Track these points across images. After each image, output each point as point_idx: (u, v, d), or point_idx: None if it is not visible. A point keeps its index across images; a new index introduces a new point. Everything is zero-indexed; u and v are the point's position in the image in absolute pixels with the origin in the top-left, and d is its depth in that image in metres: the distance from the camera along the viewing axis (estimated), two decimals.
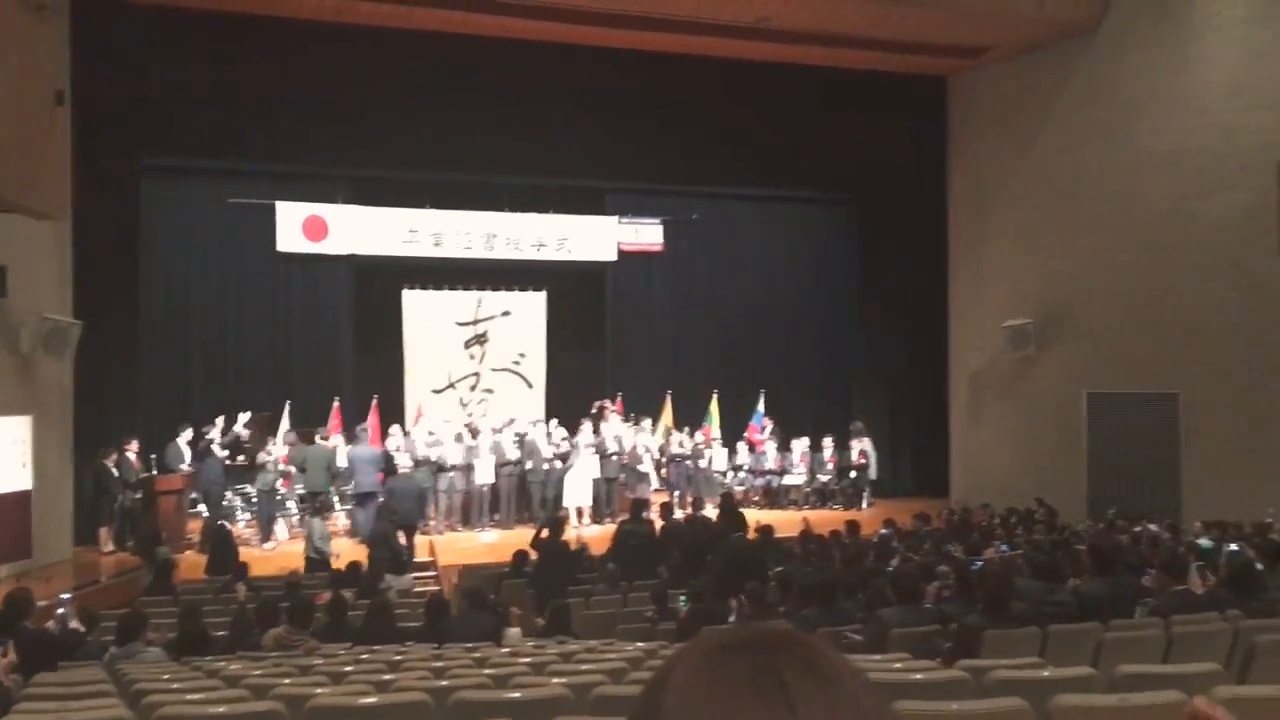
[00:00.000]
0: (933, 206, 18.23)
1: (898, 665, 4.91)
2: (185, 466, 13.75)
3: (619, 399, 17.01)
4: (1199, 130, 14.80)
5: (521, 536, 11.97)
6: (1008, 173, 17.00)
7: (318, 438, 14.25)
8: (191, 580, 11.37)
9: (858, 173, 18.31)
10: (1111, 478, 14.69)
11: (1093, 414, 15.70)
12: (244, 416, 14.62)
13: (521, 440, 15.24)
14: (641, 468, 15.77)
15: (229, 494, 14.47)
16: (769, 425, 17.71)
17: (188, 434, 13.90)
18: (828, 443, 17.15)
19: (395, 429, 15.00)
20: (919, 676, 4.36)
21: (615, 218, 18.47)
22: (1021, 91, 16.83)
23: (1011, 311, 16.51)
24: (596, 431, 15.58)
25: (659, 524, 12.02)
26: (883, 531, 11.71)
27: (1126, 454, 14.96)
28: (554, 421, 16.13)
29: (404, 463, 13.84)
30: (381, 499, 13.10)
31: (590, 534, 13.58)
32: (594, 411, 16.24)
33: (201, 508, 14.20)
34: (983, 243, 17.46)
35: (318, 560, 11.79)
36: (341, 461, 14.29)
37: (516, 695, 4.06)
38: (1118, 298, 15.50)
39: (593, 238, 18.28)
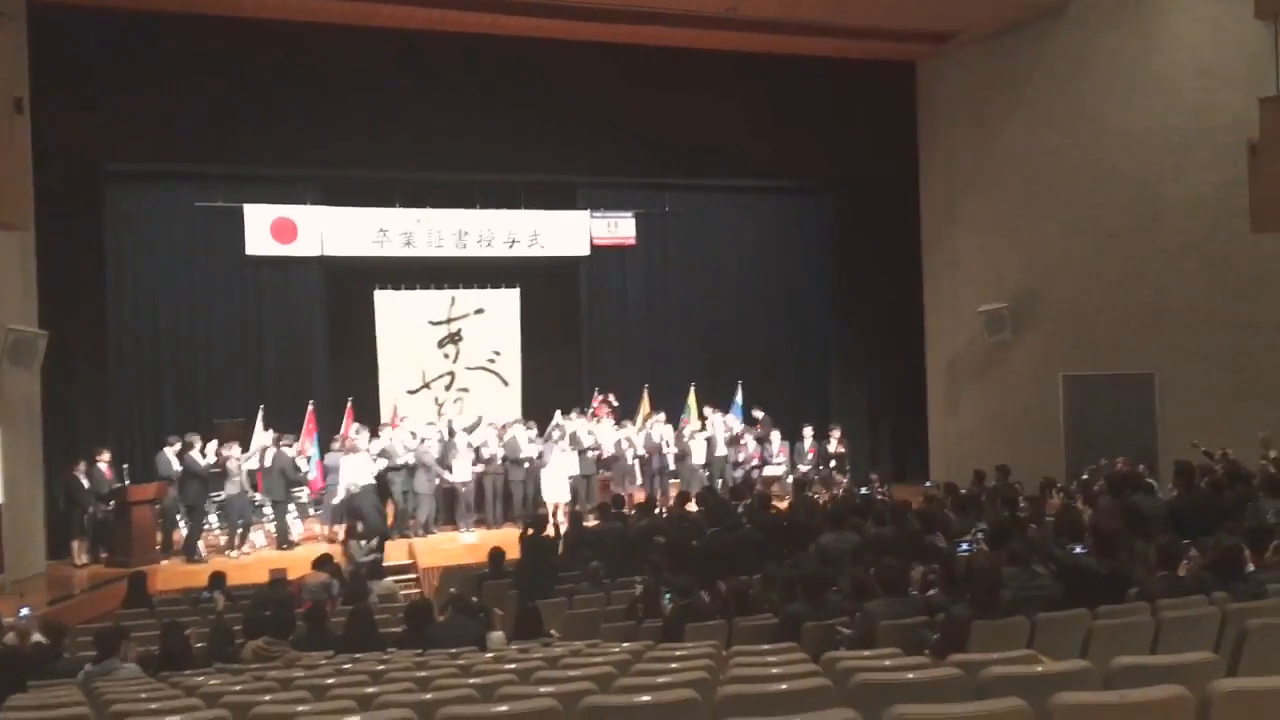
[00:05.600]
0: (906, 193, 18.16)
1: (889, 663, 4.84)
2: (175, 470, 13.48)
3: (607, 398, 16.83)
4: (1168, 111, 14.85)
5: (503, 536, 11.86)
6: (979, 158, 16.99)
7: (281, 444, 14.07)
8: (167, 591, 11.22)
9: (830, 161, 18.22)
10: (1089, 461, 14.69)
11: (1069, 397, 15.75)
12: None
13: (504, 440, 15.13)
14: (625, 462, 15.70)
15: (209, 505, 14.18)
16: (762, 416, 17.39)
17: (176, 445, 13.65)
18: (807, 432, 17.09)
19: (383, 432, 14.92)
20: (911, 676, 4.29)
21: (587, 212, 18.35)
22: (990, 76, 16.81)
23: (986, 297, 16.51)
24: (566, 428, 15.48)
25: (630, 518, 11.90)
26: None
27: (1104, 436, 14.99)
28: (531, 423, 15.93)
29: (370, 468, 13.72)
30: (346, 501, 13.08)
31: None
32: (591, 410, 16.22)
33: (178, 517, 14.01)
34: (955, 228, 17.44)
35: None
36: (312, 470, 14.18)
37: (504, 709, 3.96)
38: (1091, 280, 15.54)
39: (565, 233, 18.16)
